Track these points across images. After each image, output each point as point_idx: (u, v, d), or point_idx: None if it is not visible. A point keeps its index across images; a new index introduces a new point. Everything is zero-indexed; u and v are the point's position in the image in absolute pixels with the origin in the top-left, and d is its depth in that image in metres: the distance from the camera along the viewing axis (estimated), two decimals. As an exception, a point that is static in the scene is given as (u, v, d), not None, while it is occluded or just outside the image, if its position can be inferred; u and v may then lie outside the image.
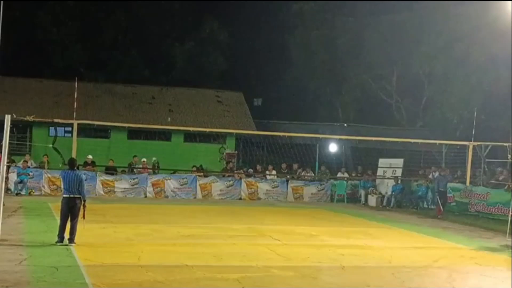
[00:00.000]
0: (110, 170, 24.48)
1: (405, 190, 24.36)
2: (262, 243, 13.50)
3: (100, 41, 42.48)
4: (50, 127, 28.63)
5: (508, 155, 20.81)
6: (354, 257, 12.18)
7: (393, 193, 24.25)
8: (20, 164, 22.94)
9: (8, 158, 17.23)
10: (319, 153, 31.47)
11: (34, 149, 27.04)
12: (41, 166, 23.77)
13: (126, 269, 9.98)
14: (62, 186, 12.65)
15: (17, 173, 22.41)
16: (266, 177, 25.96)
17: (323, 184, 26.12)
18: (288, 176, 26.25)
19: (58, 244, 11.64)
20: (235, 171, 27.16)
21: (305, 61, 41.53)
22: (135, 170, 25.39)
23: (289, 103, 43.48)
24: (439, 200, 21.03)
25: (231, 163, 28.48)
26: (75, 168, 12.35)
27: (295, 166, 27.56)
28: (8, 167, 20.24)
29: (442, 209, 20.87)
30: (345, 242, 14.18)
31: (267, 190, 25.10)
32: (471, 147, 24.00)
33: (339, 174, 27.03)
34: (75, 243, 11.66)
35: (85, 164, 24.10)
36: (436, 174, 24.66)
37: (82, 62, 41.08)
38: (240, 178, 25.39)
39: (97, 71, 40.25)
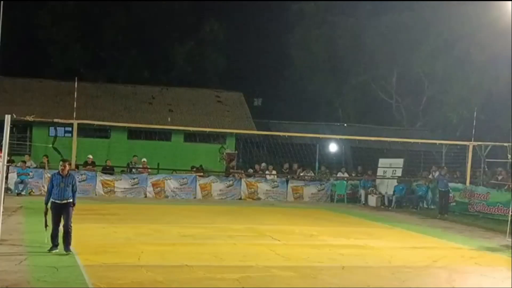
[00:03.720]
0: (108, 170, 24.48)
1: (406, 190, 24.35)
2: (262, 243, 13.51)
3: (100, 41, 42.44)
4: (50, 127, 28.64)
5: (508, 155, 20.83)
6: (354, 257, 12.19)
7: (395, 193, 24.24)
8: (18, 164, 22.95)
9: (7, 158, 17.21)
10: (319, 153, 31.50)
11: (34, 149, 27.04)
12: (41, 166, 23.78)
13: (126, 269, 9.98)
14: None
15: (17, 173, 22.43)
16: (266, 177, 25.96)
17: (323, 184, 26.12)
18: (288, 176, 26.25)
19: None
20: (235, 171, 27.15)
21: (305, 61, 41.50)
22: (133, 170, 25.37)
23: (289, 103, 43.45)
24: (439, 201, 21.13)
25: (233, 162, 28.50)
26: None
27: (295, 166, 27.56)
28: (8, 167, 20.24)
29: (440, 210, 20.92)
30: (345, 242, 14.19)
31: (267, 190, 25.10)
32: (471, 147, 24.00)
33: (339, 174, 27.02)
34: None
35: (85, 164, 24.12)
36: (437, 173, 24.74)
37: (82, 62, 41.05)
38: (240, 178, 25.40)
39: (97, 71, 40.22)
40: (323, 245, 13.60)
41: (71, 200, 11.29)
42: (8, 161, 23.40)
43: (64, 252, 10.95)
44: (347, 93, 40.76)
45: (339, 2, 39.44)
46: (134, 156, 25.91)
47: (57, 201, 11.19)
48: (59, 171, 11.39)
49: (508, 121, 28.53)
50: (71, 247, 11.12)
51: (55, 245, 11.11)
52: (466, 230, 17.75)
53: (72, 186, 11.31)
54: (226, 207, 21.53)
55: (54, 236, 11.16)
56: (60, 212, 11.19)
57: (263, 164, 27.37)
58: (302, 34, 41.46)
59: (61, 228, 11.23)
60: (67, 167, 11.50)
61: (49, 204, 11.29)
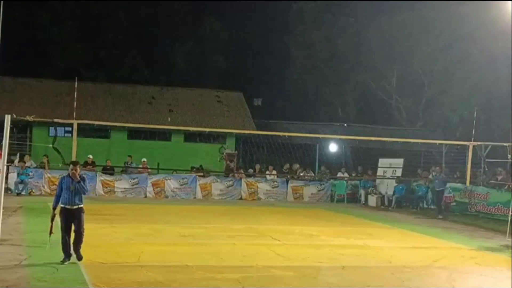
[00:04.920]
0: (108, 170, 24.48)
1: (406, 190, 24.35)
2: (262, 243, 13.50)
3: (100, 41, 42.48)
4: (50, 127, 28.58)
5: (508, 155, 20.82)
6: (354, 257, 12.18)
7: (395, 193, 24.24)
8: (17, 164, 22.95)
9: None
10: (319, 153, 31.49)
11: (34, 149, 27.04)
12: (41, 166, 23.78)
13: (126, 269, 9.98)
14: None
15: (17, 173, 22.43)
16: (266, 177, 25.94)
17: (323, 184, 26.12)
18: (288, 176, 26.25)
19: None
20: (235, 171, 27.13)
21: (305, 61, 41.52)
22: (129, 169, 25.29)
23: (289, 103, 43.48)
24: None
25: (233, 163, 28.47)
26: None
27: (295, 166, 27.55)
28: (8, 167, 20.24)
29: (439, 210, 20.98)
30: (345, 242, 14.18)
31: (267, 190, 25.11)
32: (471, 147, 23.98)
33: (339, 174, 27.02)
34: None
35: (85, 164, 24.12)
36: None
37: (82, 62, 41.06)
38: (240, 178, 25.40)
39: (97, 71, 40.25)
40: (323, 245, 13.60)
41: (82, 206, 10.37)
42: (19, 160, 23.52)
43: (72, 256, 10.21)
44: (347, 93, 40.77)
45: (339, 2, 39.46)
46: (128, 156, 25.88)
47: (67, 207, 10.22)
48: (69, 174, 10.41)
49: (508, 121, 28.53)
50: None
51: (67, 255, 10.09)
52: (466, 230, 17.75)
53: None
54: (226, 207, 21.53)
55: (64, 245, 10.16)
56: (71, 219, 10.24)
57: (296, 165, 27.28)
58: (302, 34, 41.47)
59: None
60: (79, 170, 10.49)
61: (58, 209, 10.37)
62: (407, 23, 35.21)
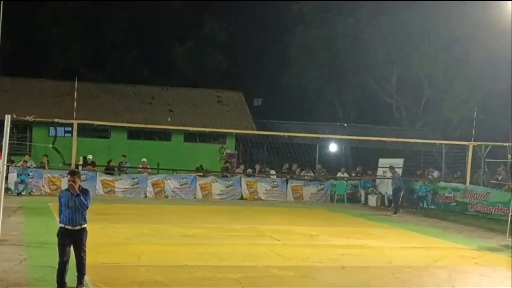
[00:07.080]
0: (110, 171, 24.47)
1: (406, 190, 24.35)
2: (262, 243, 13.51)
3: (100, 41, 42.44)
4: (50, 127, 28.62)
5: (508, 155, 20.83)
6: (354, 257, 12.20)
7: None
8: (19, 164, 22.95)
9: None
10: (319, 153, 31.50)
11: (34, 149, 27.05)
12: (41, 166, 23.78)
13: (126, 269, 9.99)
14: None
15: (17, 173, 22.42)
16: (270, 177, 25.92)
17: (323, 184, 26.12)
18: (288, 176, 26.26)
19: None
20: (234, 172, 27.11)
21: (305, 61, 41.48)
22: (122, 169, 25.23)
23: (289, 103, 43.44)
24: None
25: (229, 164, 28.50)
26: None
27: (295, 166, 27.55)
28: (8, 167, 20.24)
29: (395, 206, 21.72)
30: (345, 242, 14.19)
31: (267, 190, 25.12)
32: (471, 147, 24.00)
33: (339, 174, 27.02)
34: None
35: (85, 164, 24.11)
36: (435, 174, 24.85)
37: (82, 62, 41.01)
38: (240, 177, 25.39)
39: (97, 71, 40.20)
40: (323, 245, 13.61)
41: (85, 226, 8.64)
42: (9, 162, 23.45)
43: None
44: (347, 93, 40.76)
45: (339, 2, 39.43)
46: (122, 155, 25.84)
47: (67, 227, 8.45)
48: (67, 188, 8.56)
49: (508, 121, 28.53)
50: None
51: (61, 286, 8.32)
52: (466, 230, 17.77)
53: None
54: (226, 207, 21.54)
55: (60, 274, 8.33)
56: (71, 241, 8.48)
57: (294, 165, 27.26)
58: (302, 34, 41.44)
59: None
60: (78, 182, 8.52)
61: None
62: (407, 23, 35.16)
